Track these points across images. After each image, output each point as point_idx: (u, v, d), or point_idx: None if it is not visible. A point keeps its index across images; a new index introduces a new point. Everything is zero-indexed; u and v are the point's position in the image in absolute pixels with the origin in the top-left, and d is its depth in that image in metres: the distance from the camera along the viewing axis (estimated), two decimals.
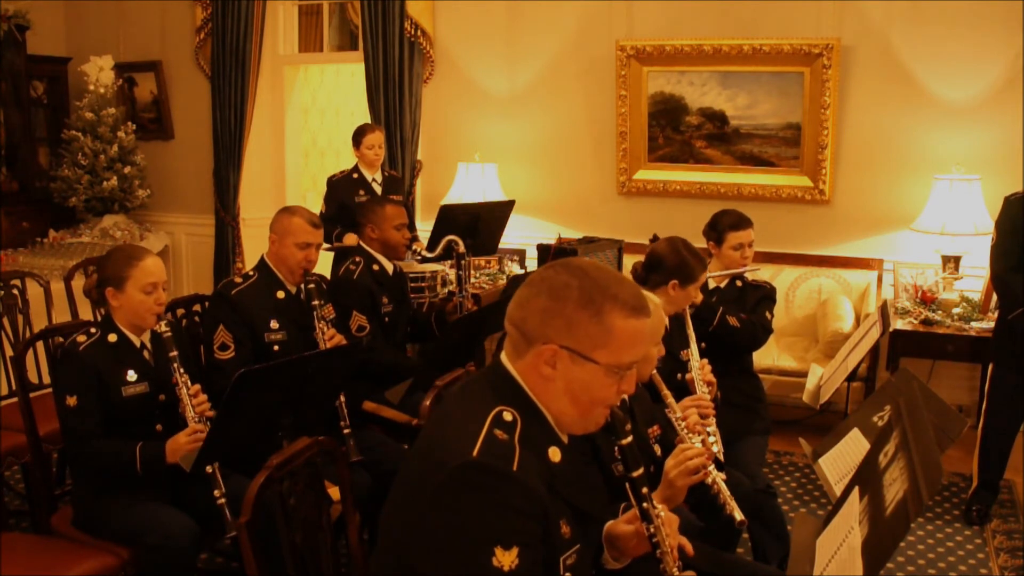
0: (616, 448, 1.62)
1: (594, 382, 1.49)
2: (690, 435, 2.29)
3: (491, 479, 1.40)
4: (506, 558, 1.36)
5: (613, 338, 1.48)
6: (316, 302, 3.10)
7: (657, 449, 2.32)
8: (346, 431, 2.99)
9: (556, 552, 1.47)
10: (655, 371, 2.39)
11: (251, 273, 3.14)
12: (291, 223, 3.08)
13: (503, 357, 1.56)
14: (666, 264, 2.98)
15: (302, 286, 3.14)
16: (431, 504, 1.41)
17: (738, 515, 2.16)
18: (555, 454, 1.51)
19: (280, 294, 3.11)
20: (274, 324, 3.07)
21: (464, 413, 1.50)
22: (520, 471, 1.42)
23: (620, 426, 1.60)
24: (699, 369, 2.73)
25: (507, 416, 1.47)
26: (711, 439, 2.42)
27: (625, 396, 2.23)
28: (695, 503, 2.45)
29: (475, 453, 1.41)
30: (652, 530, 1.64)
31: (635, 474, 1.62)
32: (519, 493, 1.40)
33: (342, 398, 3.00)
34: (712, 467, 2.15)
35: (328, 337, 3.08)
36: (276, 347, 3.04)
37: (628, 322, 1.48)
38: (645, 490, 1.63)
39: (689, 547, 1.73)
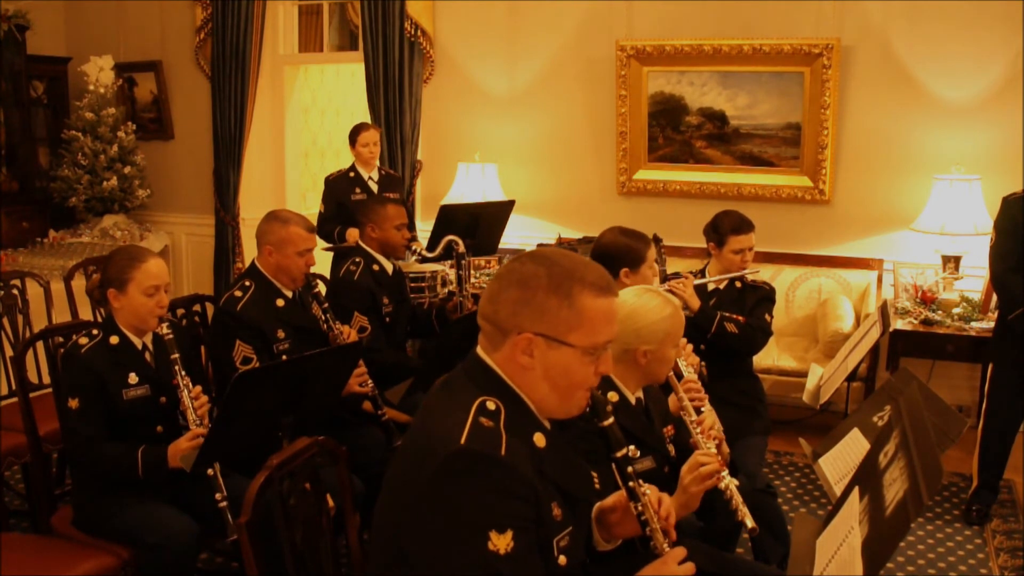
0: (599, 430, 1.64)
1: (572, 365, 1.52)
2: (705, 440, 2.26)
3: (481, 465, 1.42)
4: (501, 541, 1.39)
5: (585, 319, 1.51)
6: (326, 304, 3.13)
7: (671, 449, 2.31)
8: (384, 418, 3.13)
9: (550, 534, 1.50)
10: (672, 374, 2.35)
11: (247, 284, 3.07)
12: (289, 233, 3.04)
13: (479, 351, 1.58)
14: (610, 254, 2.90)
15: (297, 292, 3.15)
16: (423, 494, 1.43)
17: (749, 522, 2.14)
18: (540, 440, 1.54)
19: (280, 301, 3.10)
20: (280, 334, 3.05)
21: (448, 405, 1.52)
22: (508, 455, 1.44)
23: (601, 408, 1.63)
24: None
25: (490, 405, 1.50)
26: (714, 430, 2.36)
27: (641, 397, 2.25)
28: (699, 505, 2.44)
29: (463, 441, 1.43)
30: (640, 508, 1.66)
31: (618, 454, 1.65)
32: (509, 477, 1.43)
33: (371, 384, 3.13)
34: (725, 473, 2.14)
35: (347, 335, 3.13)
36: (284, 356, 3.02)
37: (598, 302, 1.52)
38: (631, 469, 1.66)
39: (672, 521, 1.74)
